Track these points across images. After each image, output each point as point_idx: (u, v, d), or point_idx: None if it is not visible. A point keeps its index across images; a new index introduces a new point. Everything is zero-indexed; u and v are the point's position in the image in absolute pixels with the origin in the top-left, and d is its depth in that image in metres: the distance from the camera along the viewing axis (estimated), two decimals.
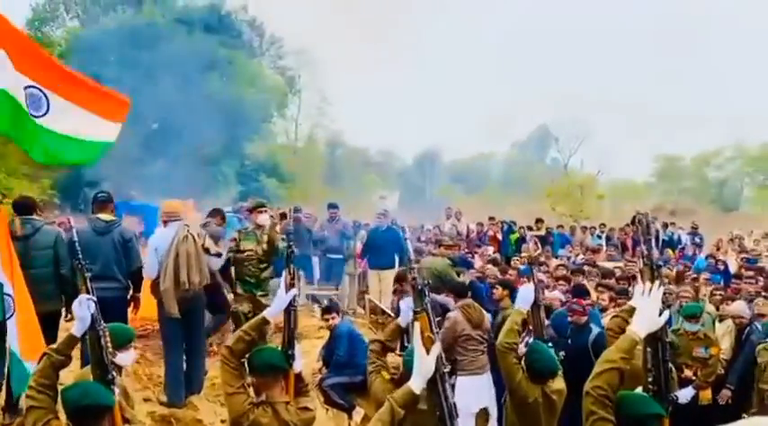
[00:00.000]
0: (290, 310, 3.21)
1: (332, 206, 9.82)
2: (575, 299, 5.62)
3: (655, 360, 2.55)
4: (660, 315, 2.53)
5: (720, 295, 6.67)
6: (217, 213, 7.06)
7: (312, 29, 52.75)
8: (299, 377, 3.19)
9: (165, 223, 5.80)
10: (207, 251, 5.80)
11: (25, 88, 4.70)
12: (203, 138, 25.22)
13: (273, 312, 3.20)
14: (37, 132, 4.75)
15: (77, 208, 19.81)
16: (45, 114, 4.81)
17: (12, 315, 4.25)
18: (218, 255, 6.03)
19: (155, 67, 26.27)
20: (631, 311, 3.72)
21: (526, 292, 3.83)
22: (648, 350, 2.57)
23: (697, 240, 13.77)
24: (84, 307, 2.79)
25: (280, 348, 3.19)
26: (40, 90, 4.82)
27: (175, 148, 24.77)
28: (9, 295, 4.26)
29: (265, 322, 3.18)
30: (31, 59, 4.86)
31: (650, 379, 2.55)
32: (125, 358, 3.48)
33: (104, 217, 5.45)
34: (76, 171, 24.84)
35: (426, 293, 2.51)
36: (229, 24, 29.02)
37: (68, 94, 5.00)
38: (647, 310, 2.56)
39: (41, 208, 5.75)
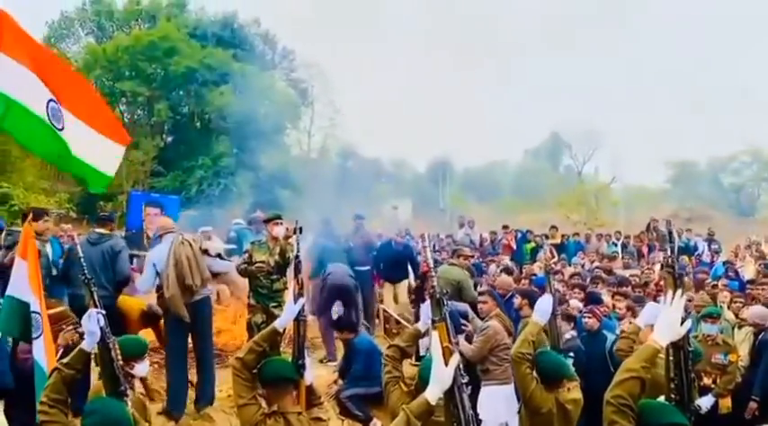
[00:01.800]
0: (299, 320, 3.22)
1: (358, 216, 9.69)
2: (590, 307, 5.62)
3: (677, 369, 2.53)
4: (682, 323, 2.51)
5: (741, 302, 6.59)
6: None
7: (323, 40, 53.05)
8: (310, 388, 3.19)
9: (161, 238, 5.94)
10: (206, 252, 5.87)
11: (48, 101, 4.77)
12: (217, 151, 25.41)
13: (283, 322, 3.21)
14: (59, 143, 4.80)
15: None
16: (62, 129, 4.87)
17: (40, 335, 4.08)
18: (219, 256, 6.06)
19: (169, 81, 26.57)
20: (638, 332, 3.78)
21: (543, 304, 3.81)
22: (671, 358, 2.55)
23: (714, 246, 13.60)
24: (93, 321, 2.81)
25: (291, 358, 3.21)
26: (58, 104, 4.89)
27: (190, 161, 25.00)
28: (37, 312, 4.11)
29: (276, 332, 3.19)
30: (50, 71, 4.98)
31: (672, 388, 2.53)
32: (140, 369, 3.52)
33: (100, 230, 6.05)
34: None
35: (445, 302, 2.50)
36: (242, 38, 29.27)
37: (80, 112, 5.07)
38: (669, 319, 2.53)
39: (54, 220, 5.76)
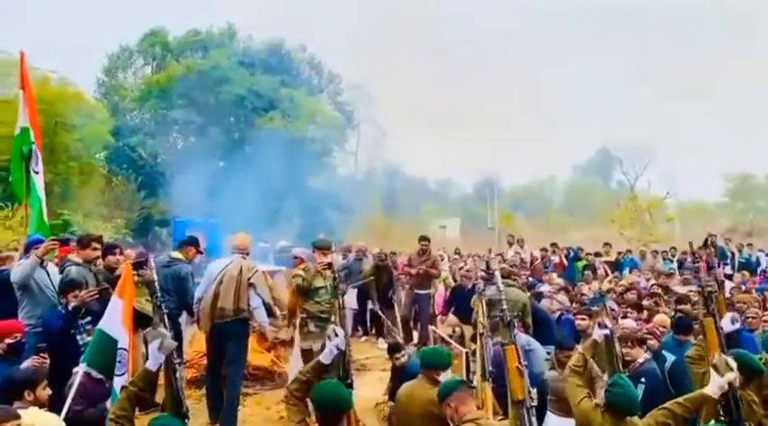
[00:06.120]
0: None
1: (423, 238, 9.42)
2: (651, 325, 5.42)
3: None
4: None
5: None
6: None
7: (367, 64, 53.85)
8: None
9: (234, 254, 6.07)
10: (251, 286, 5.82)
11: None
12: (267, 174, 25.95)
13: (327, 356, 3.26)
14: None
15: (148, 246, 20.64)
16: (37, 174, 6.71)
17: (124, 373, 4.06)
18: (264, 302, 5.99)
19: (220, 108, 27.40)
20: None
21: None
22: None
23: None
24: (158, 343, 2.90)
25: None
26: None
27: (241, 184, 25.60)
28: (125, 349, 4.13)
29: (322, 365, 3.24)
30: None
31: (720, 408, 2.53)
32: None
33: (174, 254, 6.53)
34: (147, 210, 26.10)
35: (515, 325, 2.58)
36: (289, 64, 29.99)
37: None
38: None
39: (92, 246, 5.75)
